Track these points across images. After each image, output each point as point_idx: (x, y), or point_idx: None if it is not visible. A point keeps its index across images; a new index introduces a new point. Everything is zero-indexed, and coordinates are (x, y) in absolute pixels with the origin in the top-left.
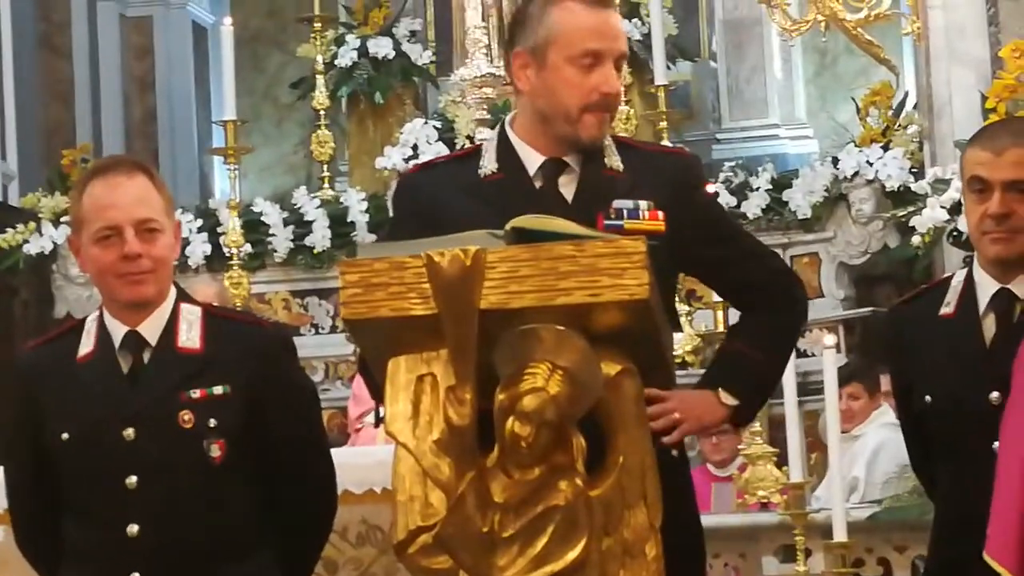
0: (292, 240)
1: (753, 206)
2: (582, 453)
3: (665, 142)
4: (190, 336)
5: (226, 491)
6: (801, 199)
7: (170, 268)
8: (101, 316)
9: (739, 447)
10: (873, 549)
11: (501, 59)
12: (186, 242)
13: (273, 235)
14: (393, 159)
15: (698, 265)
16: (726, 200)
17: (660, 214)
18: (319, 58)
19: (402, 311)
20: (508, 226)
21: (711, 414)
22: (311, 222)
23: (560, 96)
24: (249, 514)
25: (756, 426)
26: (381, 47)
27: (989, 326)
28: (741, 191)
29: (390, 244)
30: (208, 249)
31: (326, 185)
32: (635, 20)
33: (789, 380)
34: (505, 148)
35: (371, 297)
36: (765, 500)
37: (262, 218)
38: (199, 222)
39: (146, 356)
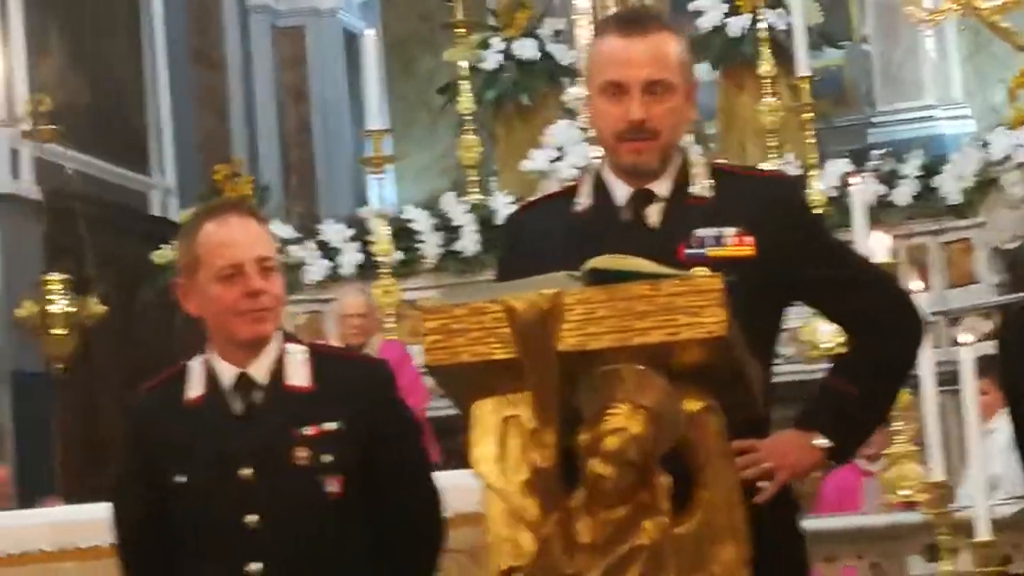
0: (441, 246)
1: (903, 194)
2: (667, 491)
3: (765, 165)
4: (299, 374)
5: (345, 526)
6: (951, 185)
7: (283, 307)
8: (208, 358)
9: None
10: (1020, 545)
11: None
12: (337, 252)
13: (422, 242)
14: (539, 161)
15: (801, 290)
16: (875, 189)
17: (749, 239)
18: (464, 62)
19: (483, 356)
20: (585, 267)
21: (805, 459)
22: (460, 227)
23: (598, 127)
24: (367, 549)
25: (900, 422)
26: (526, 49)
27: None
28: (891, 178)
29: (471, 288)
30: (360, 258)
31: (474, 189)
32: (779, 9)
33: (927, 376)
34: (599, 182)
35: (452, 343)
36: (909, 499)
37: (411, 225)
38: (350, 231)
39: (257, 396)
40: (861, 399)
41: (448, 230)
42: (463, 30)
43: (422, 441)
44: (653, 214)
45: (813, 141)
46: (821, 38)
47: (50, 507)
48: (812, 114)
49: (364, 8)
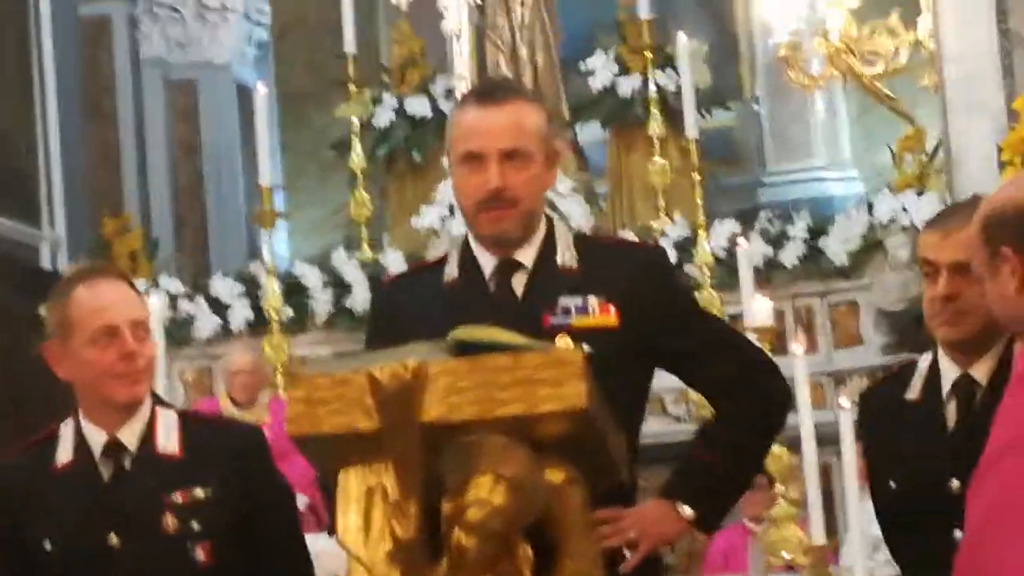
0: (332, 303)
1: (790, 255)
2: (529, 563)
3: (630, 236)
4: (169, 440)
5: None
6: (837, 247)
7: (154, 371)
8: (78, 423)
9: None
10: None
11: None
12: (227, 307)
13: (313, 298)
14: (430, 218)
15: (665, 358)
16: (763, 251)
17: (612, 309)
18: (355, 119)
19: (346, 426)
20: (450, 337)
21: (669, 528)
22: (350, 284)
23: (459, 199)
24: None
25: (782, 484)
26: (417, 106)
27: (951, 412)
28: (779, 239)
29: (336, 359)
30: (250, 314)
31: (365, 246)
32: (668, 70)
33: (808, 438)
34: (466, 253)
35: (316, 412)
36: (791, 562)
37: (302, 281)
38: (240, 287)
39: (126, 462)
40: (723, 466)
41: (339, 286)
42: (355, 87)
43: (293, 508)
44: (518, 284)
45: (700, 202)
46: (711, 98)
47: None
48: (700, 175)
49: (257, 62)
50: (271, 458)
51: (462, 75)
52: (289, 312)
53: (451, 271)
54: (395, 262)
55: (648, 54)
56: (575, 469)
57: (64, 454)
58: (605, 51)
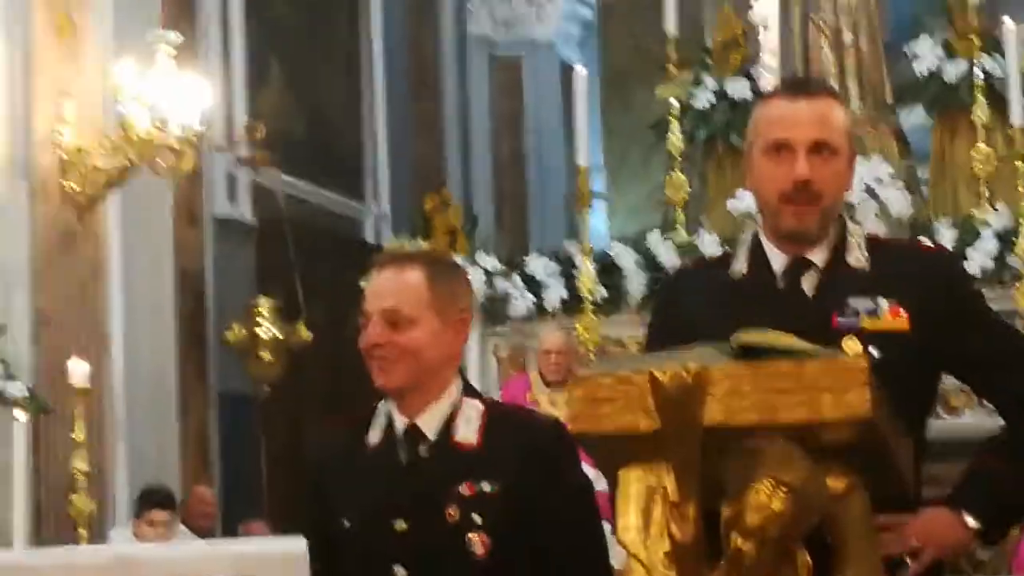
0: (647, 285)
1: None
2: (808, 569)
3: (925, 239)
4: (468, 431)
5: None
6: None
7: (427, 360)
8: (388, 406)
9: None
10: None
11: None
12: (542, 286)
13: (626, 279)
14: (746, 201)
15: (955, 365)
16: None
17: (903, 312)
18: (674, 101)
19: (627, 426)
20: (734, 340)
21: (953, 539)
22: (665, 267)
23: (760, 190)
24: None
25: None
26: (738, 89)
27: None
28: None
29: (620, 359)
30: (565, 294)
31: (680, 229)
32: (996, 55)
33: None
34: (756, 249)
35: (597, 411)
36: None
37: (616, 261)
38: (555, 266)
39: (423, 449)
40: (1013, 479)
41: (653, 268)
42: (676, 68)
43: (589, 508)
44: (809, 283)
45: None
46: None
47: (252, 532)
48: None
49: (582, 42)
50: (572, 455)
51: (770, 65)
52: (603, 292)
53: (740, 266)
54: (711, 244)
55: (975, 38)
56: (857, 476)
57: (375, 435)
58: (931, 35)
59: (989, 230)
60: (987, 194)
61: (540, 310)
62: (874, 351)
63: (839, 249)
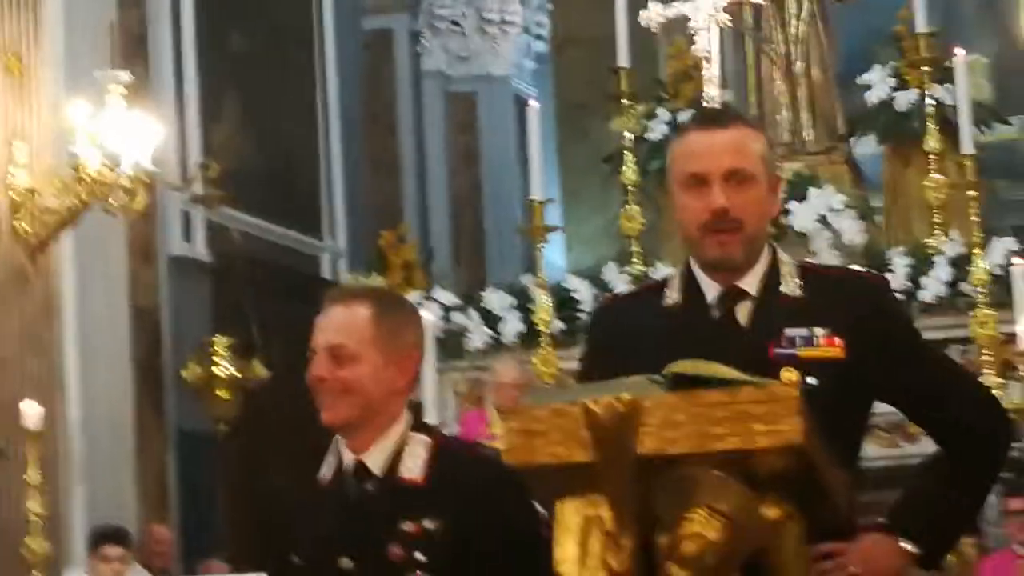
0: None
1: None
2: None
3: (854, 266)
4: (413, 467)
5: None
6: None
7: (370, 396)
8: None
9: None
10: None
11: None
12: (499, 320)
13: (583, 312)
14: None
15: (888, 393)
16: None
17: (837, 340)
18: (627, 133)
19: (562, 458)
20: (667, 371)
21: (893, 563)
22: None
23: (682, 223)
24: None
25: None
26: None
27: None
28: None
29: (554, 391)
30: (522, 327)
31: (637, 260)
32: (947, 84)
33: None
34: (689, 279)
35: (532, 444)
36: None
37: (572, 295)
38: (512, 300)
39: (370, 486)
40: (950, 504)
41: None
42: (631, 101)
43: (537, 543)
44: (743, 312)
45: (977, 219)
46: (992, 113)
47: (213, 571)
48: (976, 192)
49: (536, 75)
50: (518, 496)
51: (713, 97)
52: (560, 325)
53: (673, 295)
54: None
55: (926, 68)
56: (792, 504)
57: (326, 470)
58: (882, 65)
59: (943, 258)
60: (940, 222)
61: (497, 344)
62: (812, 380)
63: (771, 278)
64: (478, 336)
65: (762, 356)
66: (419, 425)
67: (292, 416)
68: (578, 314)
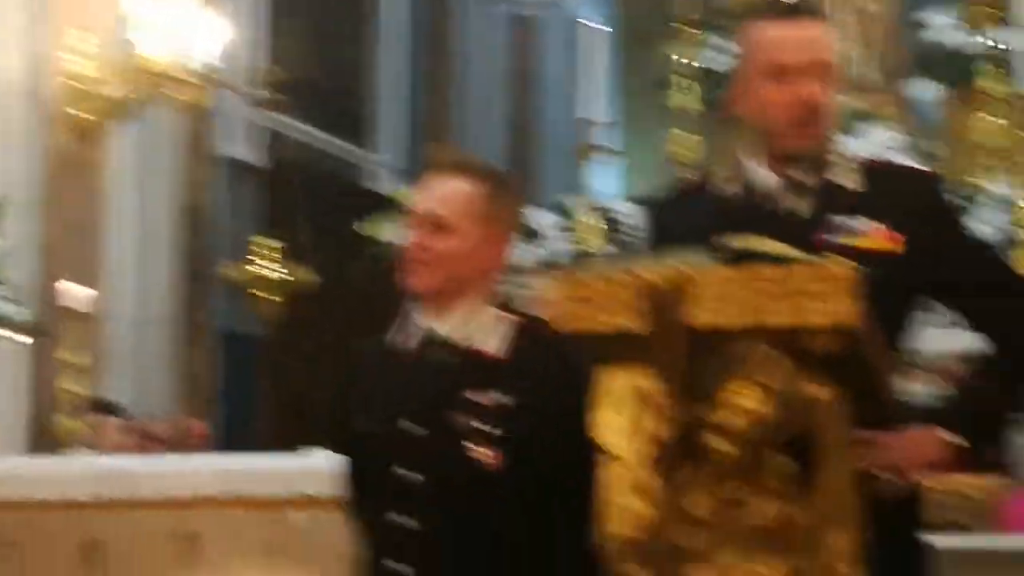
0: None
1: None
2: (785, 475)
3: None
4: (495, 342)
5: (499, 497)
6: None
7: (461, 270)
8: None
9: None
10: None
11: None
12: (546, 240)
13: (629, 236)
14: None
15: (944, 293)
16: None
17: (889, 233)
18: (686, 60)
19: (611, 326)
20: (724, 246)
21: (936, 455)
22: None
23: (763, 114)
24: (521, 524)
25: None
26: None
27: None
28: None
29: (607, 261)
30: (567, 248)
31: None
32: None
33: None
34: (742, 171)
35: (584, 310)
36: None
37: (618, 219)
38: (557, 220)
39: (445, 354)
40: (997, 399)
41: None
42: (689, 28)
43: None
44: (800, 203)
45: None
46: None
47: None
48: None
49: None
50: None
51: None
52: (611, 251)
53: (729, 187)
54: None
55: (989, 8)
56: (840, 388)
57: (400, 337)
58: (945, 5)
59: (994, 199)
60: (995, 165)
61: (544, 264)
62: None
63: (830, 170)
64: (524, 256)
65: (815, 245)
66: (507, 306)
67: (333, 323)
68: (625, 238)
